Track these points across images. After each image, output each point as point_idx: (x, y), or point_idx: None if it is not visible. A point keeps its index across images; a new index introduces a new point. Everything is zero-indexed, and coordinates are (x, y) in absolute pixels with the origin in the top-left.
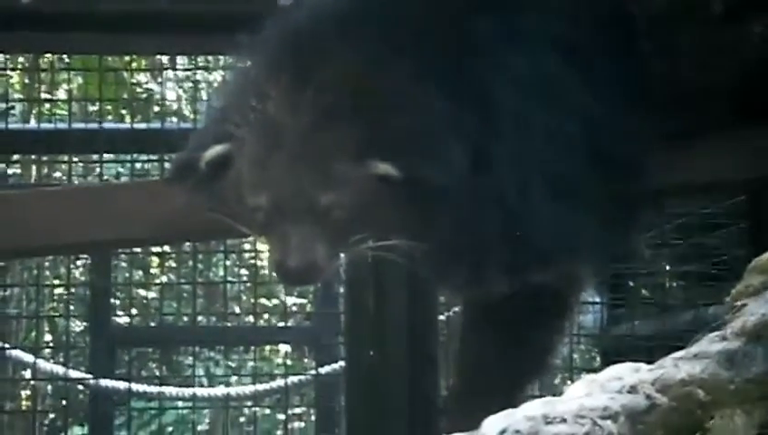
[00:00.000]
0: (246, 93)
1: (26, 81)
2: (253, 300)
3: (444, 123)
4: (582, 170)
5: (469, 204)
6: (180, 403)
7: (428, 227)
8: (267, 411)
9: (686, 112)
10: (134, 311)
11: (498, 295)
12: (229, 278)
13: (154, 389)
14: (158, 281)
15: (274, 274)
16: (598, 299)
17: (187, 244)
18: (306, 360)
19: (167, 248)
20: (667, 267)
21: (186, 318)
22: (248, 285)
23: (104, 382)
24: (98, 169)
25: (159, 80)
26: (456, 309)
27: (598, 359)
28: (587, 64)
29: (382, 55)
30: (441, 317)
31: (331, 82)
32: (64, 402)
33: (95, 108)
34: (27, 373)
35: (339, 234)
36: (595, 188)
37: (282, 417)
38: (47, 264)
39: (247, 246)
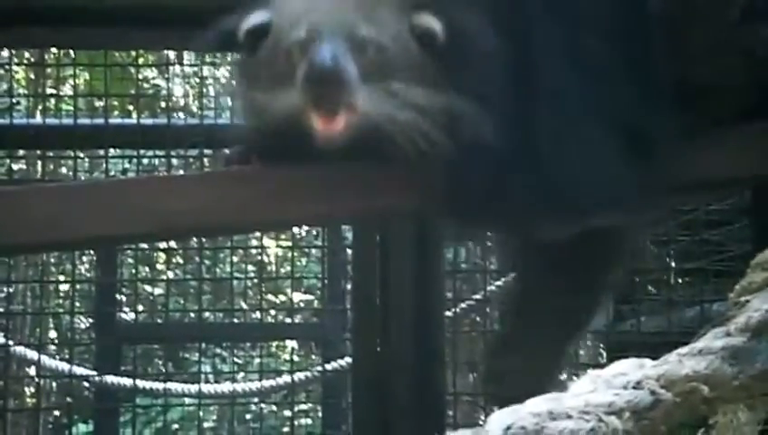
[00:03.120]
0: None
1: (32, 76)
2: (259, 296)
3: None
4: (609, 133)
5: (505, 108)
6: (186, 400)
7: (463, 113)
8: (274, 408)
9: (696, 109)
10: (140, 307)
11: (539, 240)
12: (236, 274)
13: (160, 385)
14: (164, 277)
15: (302, 87)
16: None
17: (194, 240)
18: (313, 356)
19: (173, 244)
20: (672, 264)
21: (192, 314)
22: (255, 281)
23: (110, 379)
24: (104, 165)
25: (166, 75)
26: (464, 305)
27: (603, 355)
28: (613, 48)
29: None
30: (448, 313)
31: None
32: (69, 399)
33: (101, 103)
34: (32, 370)
35: (371, 75)
36: (621, 151)
37: (288, 413)
38: (52, 260)
39: (254, 242)
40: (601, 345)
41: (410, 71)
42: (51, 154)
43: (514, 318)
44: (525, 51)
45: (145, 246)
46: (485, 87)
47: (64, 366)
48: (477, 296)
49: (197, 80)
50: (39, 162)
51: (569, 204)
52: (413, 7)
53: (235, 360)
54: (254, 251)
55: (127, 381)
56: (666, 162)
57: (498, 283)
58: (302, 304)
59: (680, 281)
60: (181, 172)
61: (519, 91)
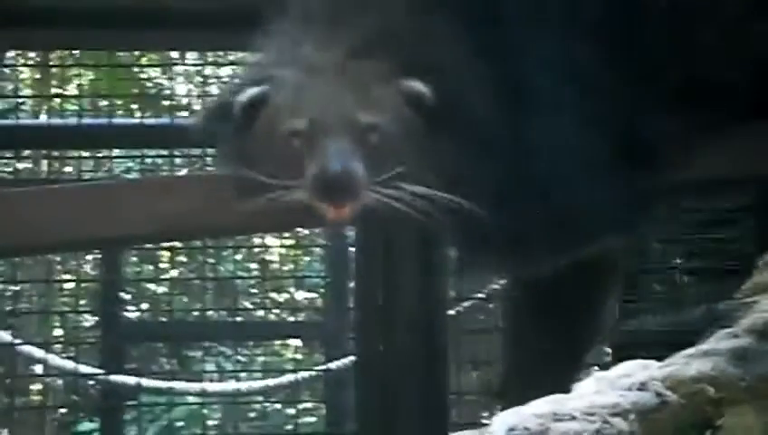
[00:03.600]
0: (281, 42)
1: (37, 76)
2: (263, 295)
3: (475, 71)
4: (608, 149)
5: (501, 153)
6: (190, 398)
7: (463, 168)
8: (278, 406)
9: (702, 108)
10: (144, 306)
11: (543, 273)
12: (239, 273)
13: (164, 384)
14: (168, 276)
15: (313, 190)
16: None
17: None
18: (316, 355)
19: (177, 243)
20: (679, 262)
21: (196, 313)
22: (258, 279)
23: (114, 377)
24: (108, 164)
25: (169, 75)
26: (466, 304)
27: (608, 354)
28: (610, 54)
29: (419, 8)
30: (451, 312)
31: (365, 23)
32: (75, 397)
33: (105, 103)
34: (38, 368)
35: (376, 162)
36: (620, 168)
37: (292, 412)
38: (58, 259)
39: (257, 241)
40: (606, 345)
41: (410, 144)
42: (56, 154)
43: (515, 359)
44: (514, 73)
45: (148, 245)
46: (478, 136)
47: (70, 364)
48: (481, 295)
49: (200, 79)
50: (44, 162)
51: (574, 231)
52: (403, 75)
53: (239, 358)
54: (257, 250)
55: (131, 380)
56: (667, 170)
57: (502, 281)
58: (305, 303)
59: (687, 280)
60: (184, 172)
61: (512, 125)
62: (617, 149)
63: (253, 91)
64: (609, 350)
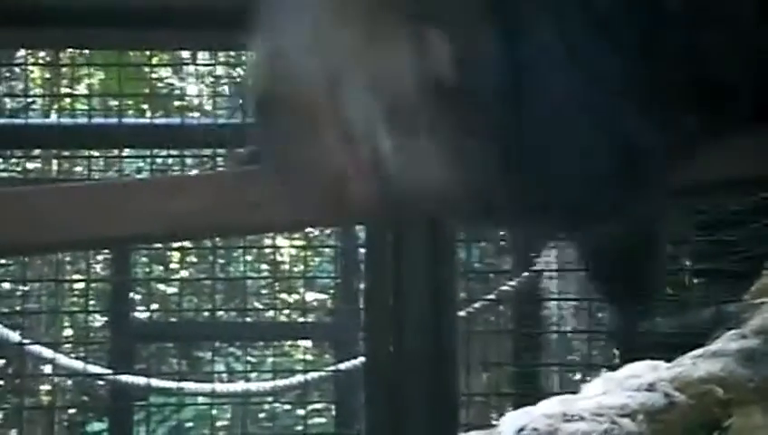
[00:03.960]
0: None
1: (47, 76)
2: (273, 296)
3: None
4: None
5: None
6: (200, 399)
7: (480, 127)
8: (287, 407)
9: (708, 108)
10: (154, 306)
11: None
12: (249, 274)
13: (174, 384)
14: (177, 276)
15: (336, 153)
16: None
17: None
18: (326, 356)
19: (187, 244)
20: (688, 263)
21: (206, 314)
22: (268, 280)
23: (124, 378)
24: (118, 164)
25: (180, 75)
26: (477, 305)
27: (617, 356)
28: (613, 49)
29: None
30: (461, 313)
31: None
32: (84, 398)
33: (116, 103)
34: (47, 368)
35: (397, 121)
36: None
37: (301, 413)
38: (67, 259)
39: (268, 241)
40: (615, 346)
41: (427, 103)
42: (66, 153)
43: None
44: (523, 59)
45: (159, 244)
46: (492, 97)
47: (79, 365)
48: (491, 296)
49: (212, 79)
50: (54, 161)
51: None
52: (417, 24)
53: (249, 359)
54: (267, 250)
55: (141, 380)
56: (667, 171)
57: (512, 283)
58: (315, 304)
59: (696, 281)
60: (194, 172)
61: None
62: (619, 142)
63: (264, 72)
64: (618, 351)
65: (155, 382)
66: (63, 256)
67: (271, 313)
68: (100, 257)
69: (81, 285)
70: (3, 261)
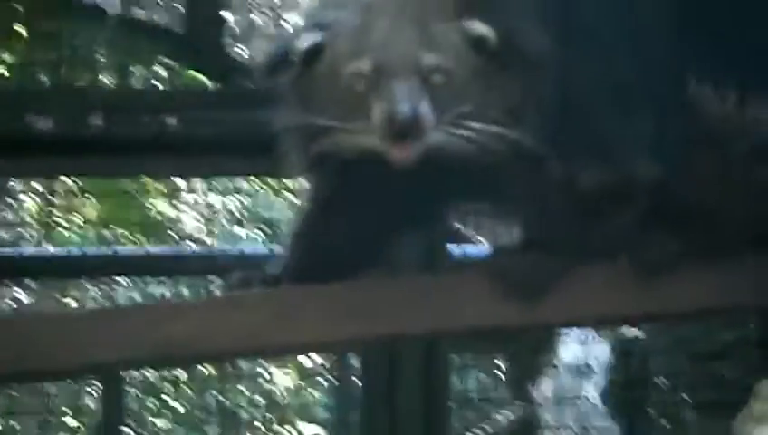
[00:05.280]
0: None
1: (41, 205)
2: (268, 428)
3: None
4: None
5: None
6: None
7: (526, 105)
8: None
9: (698, 235)
10: None
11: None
12: (244, 405)
13: None
14: (171, 408)
15: (382, 132)
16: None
17: (201, 368)
18: None
19: (180, 375)
20: (684, 396)
21: None
22: (264, 413)
23: None
24: (112, 294)
25: (175, 203)
26: None
27: None
28: None
29: None
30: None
31: None
32: None
33: (111, 232)
34: None
35: (440, 102)
36: None
37: None
38: (57, 392)
39: (261, 370)
40: None
41: (473, 84)
42: (58, 284)
43: None
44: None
45: (151, 378)
46: (542, 87)
47: None
48: (485, 426)
49: (207, 208)
50: (47, 292)
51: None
52: (463, 14)
53: None
54: (261, 380)
55: None
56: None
57: (504, 411)
58: None
59: (690, 414)
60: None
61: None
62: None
63: (312, 37)
64: None
65: None
66: (52, 390)
67: None
68: (91, 389)
69: (72, 421)
70: None
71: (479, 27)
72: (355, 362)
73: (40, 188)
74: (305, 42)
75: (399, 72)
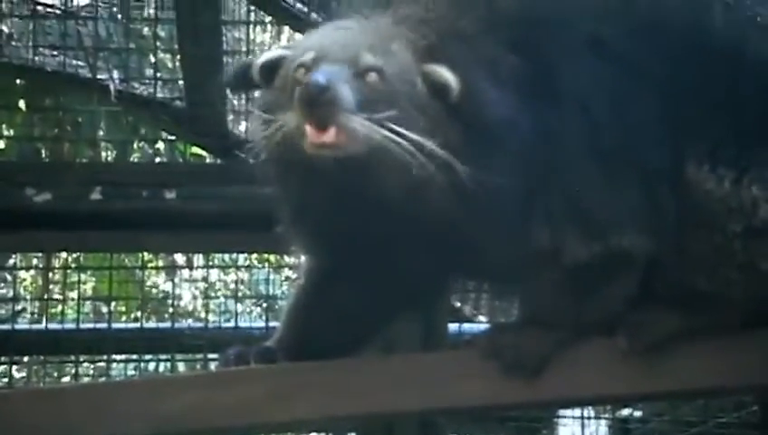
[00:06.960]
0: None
1: (38, 280)
2: None
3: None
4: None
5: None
6: None
7: (482, 159)
8: None
9: (698, 313)
10: None
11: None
12: None
13: None
14: None
15: (297, 103)
16: None
17: None
18: None
19: None
20: None
21: None
22: None
23: None
24: (107, 370)
25: (174, 279)
26: None
27: None
28: None
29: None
30: None
31: (400, 11)
32: None
33: (108, 308)
34: None
35: (371, 101)
36: None
37: None
38: None
39: None
40: None
41: (415, 110)
42: (53, 360)
43: None
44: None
45: None
46: (497, 152)
47: None
48: None
49: (206, 284)
50: (41, 368)
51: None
52: (428, 57)
53: None
54: None
55: None
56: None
57: None
58: None
59: None
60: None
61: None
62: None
63: (271, 53)
64: None
65: None
66: None
67: None
68: None
69: None
70: None
71: (445, 74)
72: None
73: (39, 264)
74: (265, 57)
75: (332, 60)
